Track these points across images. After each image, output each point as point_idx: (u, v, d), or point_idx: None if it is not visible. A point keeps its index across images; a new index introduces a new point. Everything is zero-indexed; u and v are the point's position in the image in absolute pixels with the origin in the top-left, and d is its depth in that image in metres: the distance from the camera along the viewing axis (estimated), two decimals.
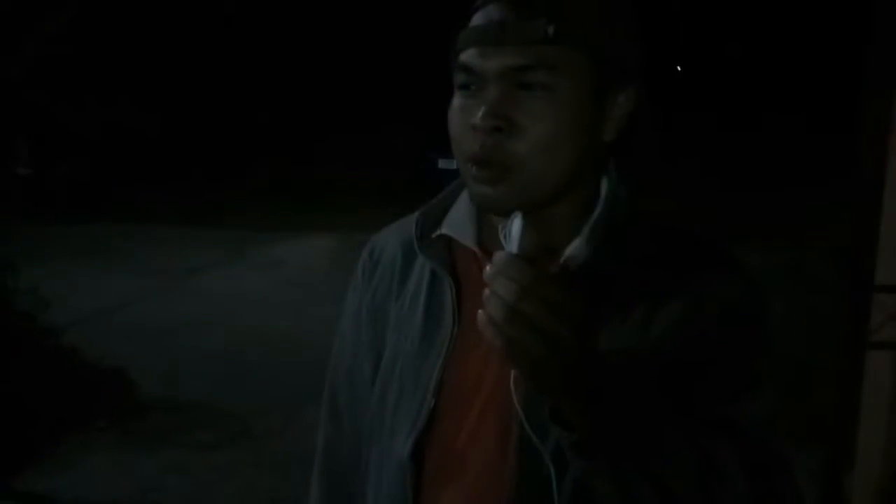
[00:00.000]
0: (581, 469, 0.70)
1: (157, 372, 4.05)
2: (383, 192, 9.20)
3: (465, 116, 0.74)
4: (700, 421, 0.73)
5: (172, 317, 5.09)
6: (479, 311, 0.62)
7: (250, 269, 6.27)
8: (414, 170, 9.48)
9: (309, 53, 9.70)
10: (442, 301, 0.84)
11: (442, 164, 9.42)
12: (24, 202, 8.17)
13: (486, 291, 0.62)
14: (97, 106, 8.38)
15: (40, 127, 8.65)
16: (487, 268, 0.62)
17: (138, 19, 8.56)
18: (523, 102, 0.72)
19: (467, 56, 0.74)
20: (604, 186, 0.82)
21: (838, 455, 2.29)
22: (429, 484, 0.82)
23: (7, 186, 8.42)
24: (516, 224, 0.66)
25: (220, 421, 3.58)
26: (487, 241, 0.83)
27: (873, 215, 2.26)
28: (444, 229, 0.85)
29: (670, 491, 0.70)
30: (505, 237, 0.67)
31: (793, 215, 7.28)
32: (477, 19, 0.74)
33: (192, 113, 9.06)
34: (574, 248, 0.79)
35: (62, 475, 3.16)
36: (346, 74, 9.41)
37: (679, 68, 17.31)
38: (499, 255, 0.62)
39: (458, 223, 0.85)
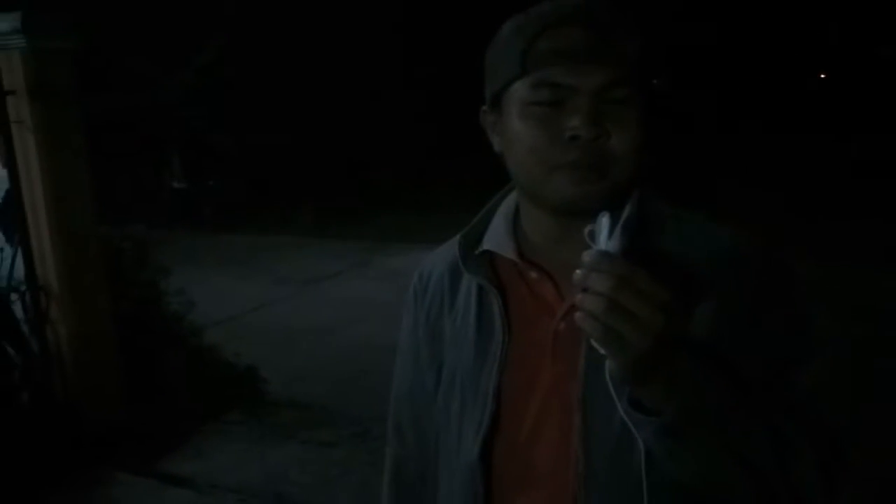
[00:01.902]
0: (664, 450, 0.74)
1: (286, 372, 4.31)
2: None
3: (552, 128, 0.80)
4: (758, 395, 0.77)
5: (300, 321, 5.40)
6: (577, 314, 0.66)
7: (371, 279, 6.53)
8: None
9: (438, 69, 9.99)
10: (490, 312, 0.90)
11: None
12: (177, 213, 8.98)
13: (579, 295, 0.66)
14: (241, 127, 9.09)
15: (193, 145, 9.49)
16: (579, 271, 0.67)
17: (275, 48, 9.22)
18: (611, 114, 0.79)
19: (554, 73, 0.79)
20: (635, 188, 0.86)
21: None
22: (498, 483, 0.88)
23: (164, 198, 9.29)
24: (604, 223, 0.70)
25: (340, 421, 3.75)
26: (526, 253, 0.90)
27: None
28: (486, 245, 0.92)
29: (751, 464, 0.73)
30: (590, 236, 0.71)
31: None
32: (553, 40, 0.80)
33: (322, 132, 9.61)
34: (612, 243, 0.81)
35: (198, 461, 3.45)
36: (472, 91, 9.60)
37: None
38: (589, 254, 0.67)
39: (497, 238, 0.91)
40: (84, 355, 3.53)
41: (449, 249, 0.97)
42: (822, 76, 16.47)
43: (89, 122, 3.66)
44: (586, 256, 0.67)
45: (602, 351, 0.69)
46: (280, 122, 9.24)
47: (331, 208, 8.90)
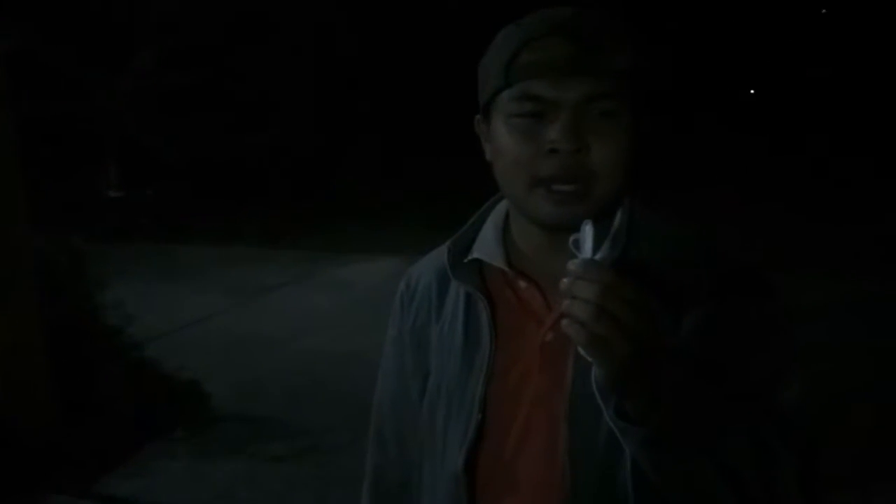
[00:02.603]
0: (649, 460, 0.74)
1: (232, 385, 4.20)
2: (452, 216, 9.27)
3: (533, 141, 0.80)
4: (741, 405, 0.77)
5: (247, 333, 5.28)
6: (564, 320, 0.67)
7: (321, 289, 6.45)
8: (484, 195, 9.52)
9: (384, 77, 9.96)
10: (478, 321, 0.89)
11: None
12: (115, 223, 8.67)
13: (566, 302, 0.67)
14: (180, 134, 8.85)
15: (130, 153, 9.20)
16: (565, 279, 0.67)
17: (216, 55, 9.04)
18: (594, 127, 0.79)
19: (535, 86, 0.79)
20: (624, 199, 0.87)
21: None
22: (482, 493, 0.87)
23: (99, 208, 8.96)
24: (589, 232, 0.71)
25: (290, 435, 3.67)
26: (515, 262, 0.90)
27: None
28: (475, 254, 0.91)
29: (735, 472, 0.73)
30: (575, 245, 0.72)
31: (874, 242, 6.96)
32: (537, 52, 0.79)
33: (269, 139, 9.44)
34: (600, 253, 0.83)
35: (140, 480, 3.32)
36: (422, 99, 9.61)
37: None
38: (575, 263, 0.68)
39: (486, 247, 0.91)
40: (14, 368, 3.35)
41: (437, 257, 0.97)
42: (751, 91, 17.29)
43: (22, 127, 3.51)
44: (572, 265, 0.68)
45: (589, 358, 0.69)
46: (226, 129, 9.02)
47: (278, 217, 8.75)
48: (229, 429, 3.80)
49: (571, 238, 0.72)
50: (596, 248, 0.71)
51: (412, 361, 0.96)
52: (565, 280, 0.67)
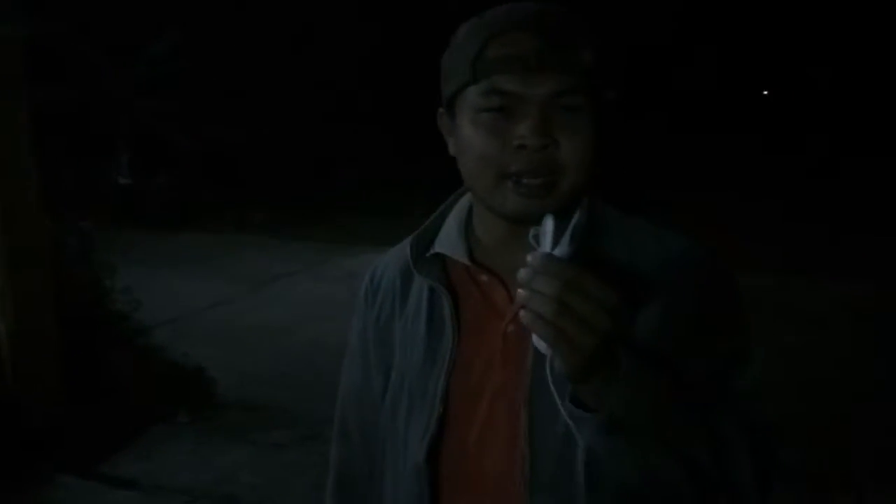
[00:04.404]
0: (606, 448, 0.75)
1: (237, 372, 4.23)
2: None
3: (501, 137, 0.80)
4: (697, 396, 0.79)
5: (253, 322, 5.31)
6: (522, 312, 0.67)
7: (327, 280, 6.48)
8: None
9: (399, 70, 9.97)
10: (441, 315, 0.89)
11: None
12: (124, 210, 8.73)
13: (521, 292, 0.67)
14: (194, 122, 8.90)
15: (141, 140, 9.25)
16: (524, 271, 0.68)
17: (234, 40, 9.06)
18: (561, 122, 0.79)
19: (502, 81, 0.79)
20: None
21: None
22: (444, 486, 0.88)
23: (109, 195, 9.02)
24: (550, 226, 0.71)
25: (293, 422, 3.70)
26: (478, 256, 0.90)
27: None
28: (437, 248, 0.92)
29: (690, 461, 0.75)
30: (536, 239, 0.73)
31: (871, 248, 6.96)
32: (504, 47, 0.79)
33: (282, 129, 9.47)
34: (560, 248, 0.85)
35: (144, 462, 3.37)
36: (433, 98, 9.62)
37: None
38: (535, 256, 0.68)
39: (449, 241, 0.92)
40: (24, 350, 3.40)
41: (401, 251, 0.96)
42: (765, 93, 17.23)
43: (37, 112, 3.55)
44: (531, 258, 0.68)
45: (544, 352, 0.70)
46: (238, 118, 9.04)
47: (289, 208, 8.78)
48: (233, 415, 3.83)
49: (531, 232, 0.73)
50: (555, 242, 0.71)
51: (376, 356, 0.97)
52: (523, 270, 0.67)
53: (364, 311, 1.00)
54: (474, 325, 0.88)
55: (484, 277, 0.89)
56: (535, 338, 0.71)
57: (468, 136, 0.82)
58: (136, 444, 3.53)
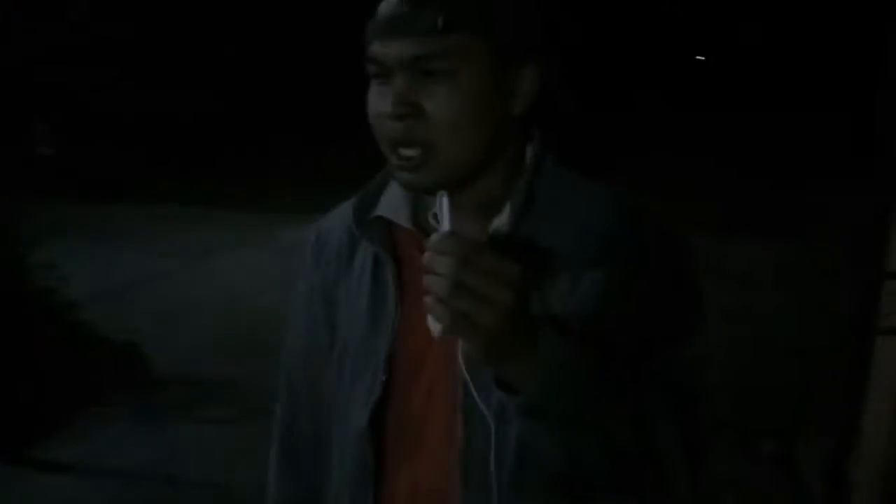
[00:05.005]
0: (526, 427, 0.74)
1: (174, 349, 4.11)
2: None
3: (378, 104, 0.79)
4: (628, 371, 0.77)
5: (190, 296, 5.15)
6: (426, 298, 0.65)
7: (271, 251, 6.33)
8: None
9: (338, 40, 9.71)
10: (385, 281, 0.87)
11: None
12: (46, 182, 8.29)
13: (426, 277, 0.65)
14: (122, 88, 8.47)
15: (62, 108, 8.75)
16: (426, 254, 0.65)
17: (154, 8, 8.63)
18: (427, 89, 0.76)
19: (373, 47, 0.78)
20: (528, 157, 0.85)
21: (844, 441, 2.29)
22: (389, 452, 0.87)
23: (27, 166, 8.53)
24: (444, 203, 0.69)
25: (237, 398, 3.61)
26: (423, 221, 0.86)
27: (888, 203, 2.25)
28: (380, 211, 0.88)
29: (610, 438, 0.74)
30: (435, 218, 0.70)
31: (800, 207, 7.23)
32: (379, 12, 0.78)
33: (223, 96, 9.12)
34: (501, 219, 0.82)
35: (77, 445, 3.23)
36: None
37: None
38: (433, 238, 0.66)
39: (392, 205, 0.88)
40: None
41: (347, 210, 0.93)
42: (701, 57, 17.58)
43: None
44: (431, 240, 0.66)
45: (437, 335, 0.68)
46: (174, 83, 8.65)
47: (229, 177, 8.51)
48: (172, 392, 3.72)
49: (430, 212, 0.71)
50: (458, 218, 0.69)
51: (321, 315, 0.94)
52: (426, 254, 0.65)
53: (311, 269, 0.96)
54: (417, 292, 0.84)
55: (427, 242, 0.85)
56: (429, 320, 0.67)
57: (368, 103, 0.81)
58: (68, 426, 3.38)
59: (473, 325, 0.64)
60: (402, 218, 0.87)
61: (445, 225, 0.68)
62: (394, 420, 0.86)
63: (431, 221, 0.70)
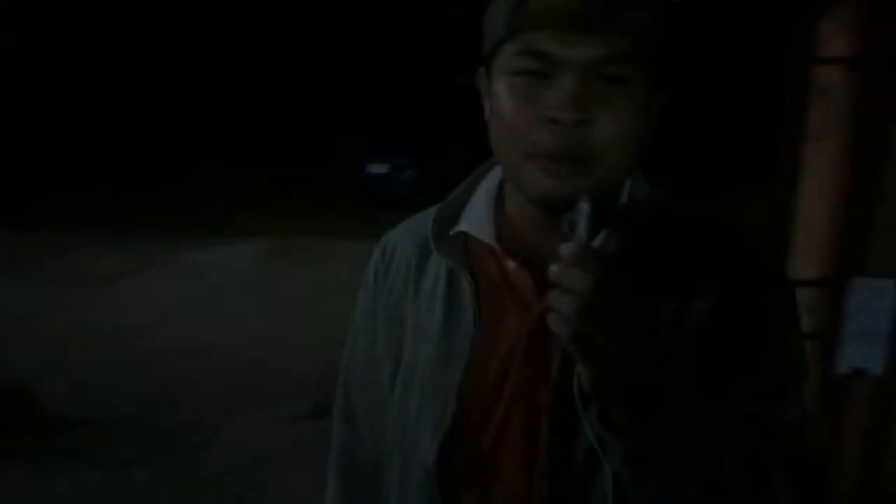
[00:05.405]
0: (631, 475, 0.67)
1: (68, 387, 3.82)
2: (318, 198, 9.01)
3: (532, 106, 0.70)
4: (740, 420, 0.71)
5: (85, 328, 4.82)
6: (550, 315, 0.60)
7: (174, 276, 6.03)
8: (351, 176, 9.45)
9: (244, 54, 9.45)
10: (461, 301, 0.81)
11: (373, 168, 9.41)
12: None
13: (554, 293, 0.60)
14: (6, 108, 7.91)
15: None
16: (554, 266, 0.60)
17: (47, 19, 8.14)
18: (603, 95, 0.69)
19: (542, 40, 0.68)
20: (626, 179, 0.79)
21: None
22: (457, 489, 0.80)
23: None
24: (585, 210, 0.63)
25: (141, 436, 3.38)
26: (506, 237, 0.81)
27: (789, 211, 2.33)
28: (463, 226, 0.83)
29: (721, 491, 0.68)
30: (569, 225, 0.64)
31: None
32: (546, 0, 0.68)
33: (120, 117, 8.66)
34: (602, 239, 0.76)
35: None
36: (292, 80, 9.20)
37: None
38: (568, 247, 0.60)
39: (475, 219, 0.82)
40: None
41: (419, 224, 0.87)
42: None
43: None
44: (564, 250, 0.61)
45: (573, 355, 0.62)
46: (56, 100, 8.14)
47: (122, 199, 8.08)
48: (69, 435, 3.43)
49: (565, 217, 0.64)
50: (593, 230, 0.63)
51: (385, 339, 0.87)
52: (554, 267, 0.60)
53: (374, 288, 0.90)
54: (496, 316, 0.80)
55: (510, 263, 0.79)
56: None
57: (499, 103, 0.73)
58: None
59: (597, 350, 0.59)
60: (485, 234, 0.81)
61: (582, 234, 0.62)
62: (462, 454, 0.79)
63: (564, 228, 0.63)
